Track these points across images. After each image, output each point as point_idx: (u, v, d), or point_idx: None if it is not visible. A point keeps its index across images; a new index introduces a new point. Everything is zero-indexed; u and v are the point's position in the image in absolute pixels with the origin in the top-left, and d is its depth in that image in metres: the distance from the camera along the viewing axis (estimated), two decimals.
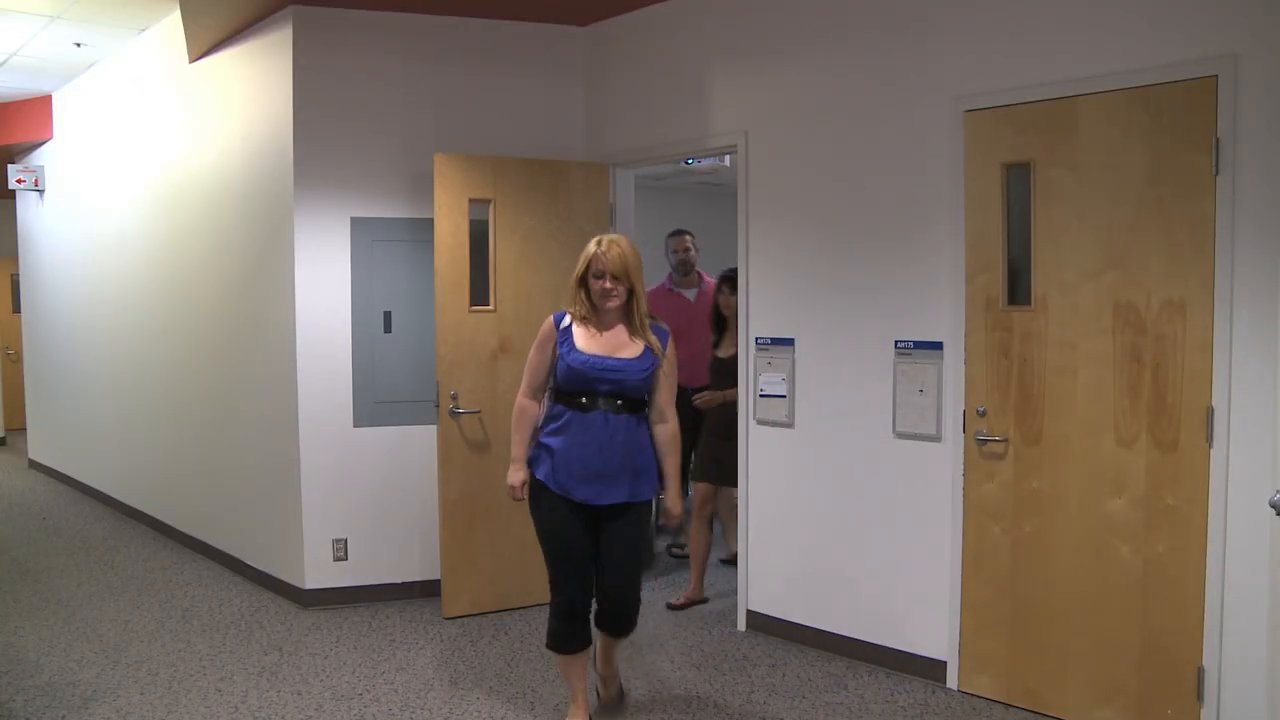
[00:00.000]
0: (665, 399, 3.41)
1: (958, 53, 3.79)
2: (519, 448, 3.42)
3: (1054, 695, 3.61)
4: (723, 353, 4.94)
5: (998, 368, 3.71)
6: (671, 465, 3.45)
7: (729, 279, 4.83)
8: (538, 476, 3.36)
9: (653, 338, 3.36)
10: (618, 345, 3.34)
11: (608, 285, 3.28)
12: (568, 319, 3.36)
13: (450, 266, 4.70)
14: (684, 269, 5.81)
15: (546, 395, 3.43)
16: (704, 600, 5.01)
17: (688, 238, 5.84)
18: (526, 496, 3.41)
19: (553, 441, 3.33)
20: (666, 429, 3.44)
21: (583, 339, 3.33)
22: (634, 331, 3.36)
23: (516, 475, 3.41)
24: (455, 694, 3.91)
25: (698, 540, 5.01)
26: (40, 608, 5.02)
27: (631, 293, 3.31)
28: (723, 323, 4.98)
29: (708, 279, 5.75)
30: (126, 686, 3.98)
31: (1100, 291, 3.44)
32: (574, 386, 3.30)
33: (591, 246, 3.33)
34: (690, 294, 5.82)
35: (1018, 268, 3.68)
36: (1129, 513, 3.40)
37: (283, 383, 5.01)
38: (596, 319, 3.34)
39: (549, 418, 3.38)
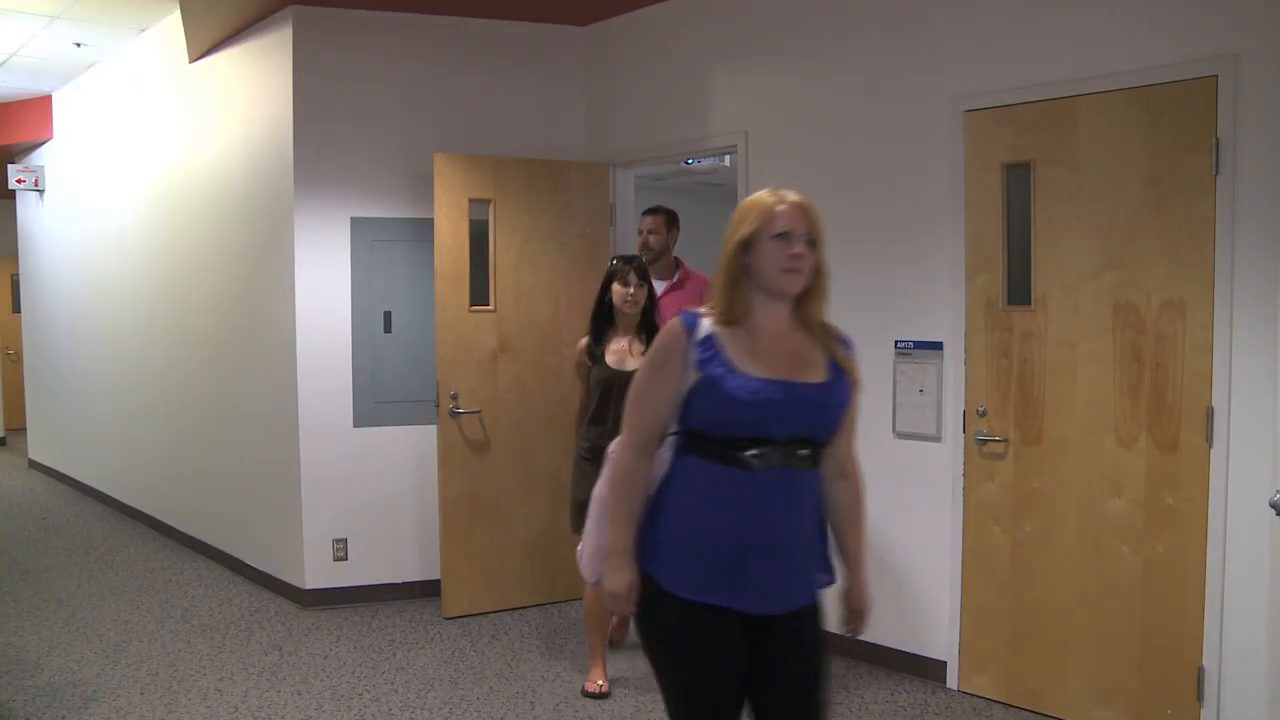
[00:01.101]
0: (848, 443, 2.29)
1: (958, 53, 3.79)
2: (624, 531, 2.14)
3: (1054, 695, 3.61)
4: None
5: (998, 368, 3.71)
6: (856, 541, 2.30)
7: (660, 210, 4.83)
8: (660, 581, 2.11)
9: (838, 347, 2.20)
10: (800, 361, 2.12)
11: (798, 252, 2.06)
12: (706, 323, 2.11)
13: (450, 266, 4.70)
14: (648, 256, 4.63)
15: (667, 445, 2.18)
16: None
17: (651, 218, 4.75)
18: (637, 609, 2.16)
19: (688, 520, 2.11)
20: (849, 487, 2.28)
21: (741, 352, 2.08)
22: (816, 337, 2.17)
23: (621, 576, 2.13)
24: (455, 694, 3.91)
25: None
26: (40, 608, 5.02)
27: (816, 273, 2.13)
28: None
29: (694, 273, 4.84)
30: (126, 686, 3.98)
31: (1100, 291, 3.44)
32: (735, 431, 2.06)
33: (765, 197, 2.13)
34: (659, 288, 4.60)
35: (1018, 268, 3.67)
36: (1129, 513, 3.40)
37: (283, 383, 5.01)
38: (755, 319, 2.13)
39: (676, 482, 2.14)
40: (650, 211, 4.78)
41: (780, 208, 2.10)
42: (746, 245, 2.10)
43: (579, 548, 2.39)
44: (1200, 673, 3.26)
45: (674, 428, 2.16)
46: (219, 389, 5.77)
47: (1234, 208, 3.14)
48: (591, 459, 3.79)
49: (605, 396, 3.80)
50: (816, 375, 2.13)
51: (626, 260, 3.86)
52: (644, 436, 2.15)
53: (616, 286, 3.80)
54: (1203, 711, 3.26)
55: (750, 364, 2.07)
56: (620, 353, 3.83)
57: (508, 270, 4.83)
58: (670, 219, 4.76)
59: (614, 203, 5.10)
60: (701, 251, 5.90)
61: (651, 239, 4.71)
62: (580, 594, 3.98)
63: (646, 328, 3.85)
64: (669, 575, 2.10)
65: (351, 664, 4.22)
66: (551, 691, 3.91)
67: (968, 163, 3.75)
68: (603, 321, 3.88)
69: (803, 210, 2.11)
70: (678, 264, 4.83)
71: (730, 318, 2.11)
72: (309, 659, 4.28)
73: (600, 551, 2.24)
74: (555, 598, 4.94)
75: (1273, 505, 2.60)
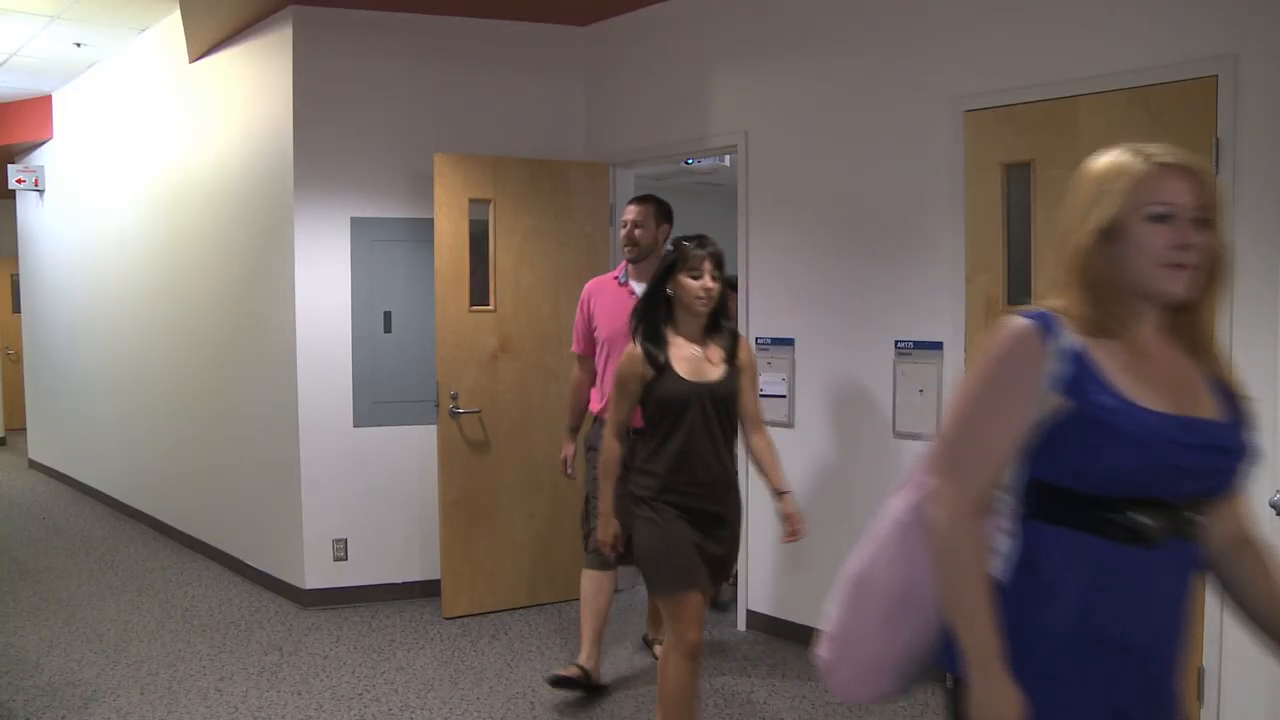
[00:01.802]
0: (1244, 502, 1.68)
1: (958, 52, 3.79)
2: (986, 632, 1.48)
3: None
4: None
5: None
6: None
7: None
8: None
9: (1225, 368, 1.63)
10: (1189, 390, 1.55)
11: (1188, 241, 1.48)
12: (1068, 334, 1.51)
13: (450, 266, 4.70)
14: (632, 253, 4.00)
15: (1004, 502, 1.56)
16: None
17: (638, 207, 4.04)
18: None
19: (1070, 621, 1.48)
20: (1259, 557, 1.65)
21: (1129, 377, 1.50)
22: (1196, 354, 1.59)
23: (1007, 702, 1.46)
24: (455, 694, 3.91)
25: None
26: (40, 608, 5.02)
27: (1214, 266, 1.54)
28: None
29: None
30: (126, 686, 3.98)
31: None
32: (1122, 488, 1.47)
33: (1128, 159, 1.53)
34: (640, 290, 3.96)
35: (1018, 268, 3.67)
36: None
37: (283, 383, 5.01)
38: (1134, 329, 1.55)
39: (1030, 562, 1.52)
40: (637, 200, 4.10)
41: (1155, 175, 1.48)
42: (1111, 232, 1.51)
43: (823, 654, 1.67)
44: (1200, 673, 3.26)
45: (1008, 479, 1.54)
46: (219, 389, 5.77)
47: (1234, 208, 3.14)
48: (657, 510, 3.01)
49: (677, 420, 2.99)
50: (1210, 409, 1.54)
51: (698, 242, 3.06)
52: (979, 488, 1.50)
53: (685, 278, 3.01)
54: (1202, 711, 3.26)
55: (1143, 393, 1.48)
56: (694, 360, 3.04)
57: (508, 270, 4.83)
58: (661, 211, 4.06)
59: (614, 203, 5.10)
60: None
61: (637, 232, 3.98)
62: (579, 594, 3.96)
63: (718, 329, 3.13)
64: (1048, 703, 1.46)
65: (351, 664, 4.22)
66: (551, 691, 3.91)
67: (968, 163, 3.75)
68: (656, 321, 3.07)
69: (1190, 176, 1.48)
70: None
71: (1102, 327, 1.49)
72: (309, 659, 4.28)
73: (885, 664, 1.59)
74: (555, 598, 4.94)
75: (1273, 505, 2.60)
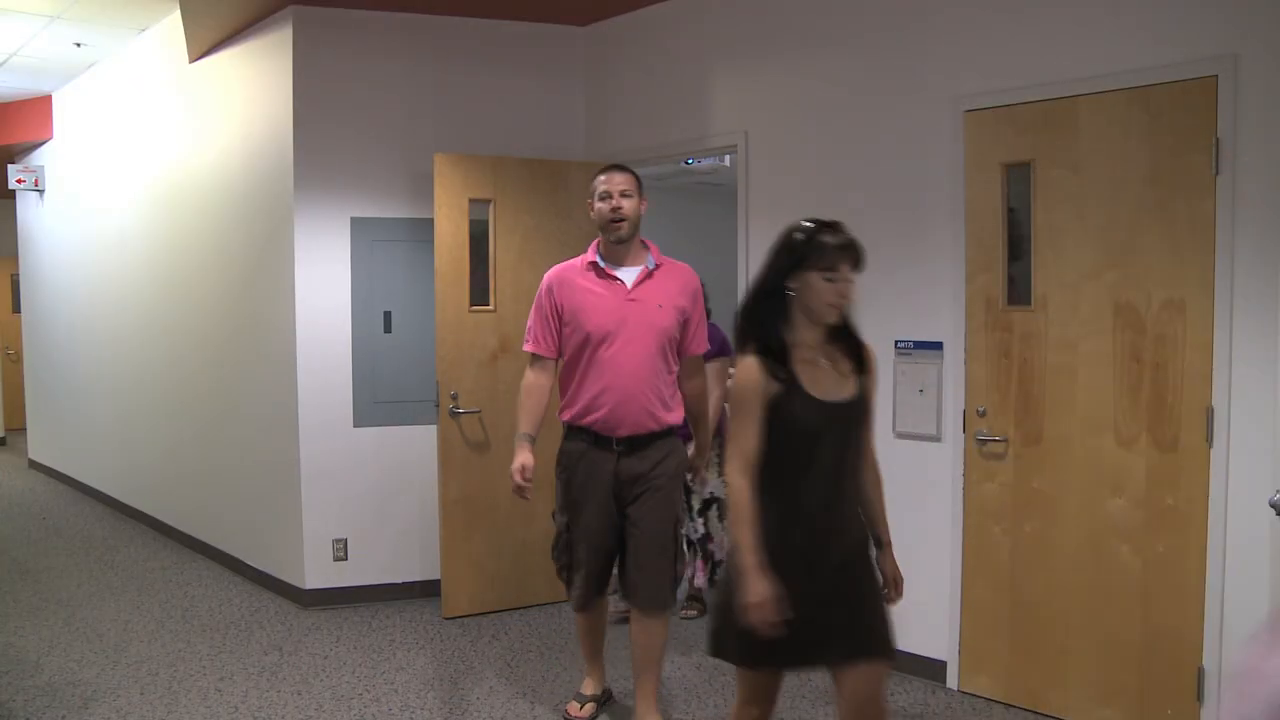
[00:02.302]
0: None
1: (958, 53, 3.79)
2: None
3: (1054, 695, 3.61)
4: None
5: (998, 368, 3.71)
6: None
7: None
8: None
9: None
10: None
11: None
12: None
13: (450, 266, 4.70)
14: (619, 230, 3.38)
15: None
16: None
17: (622, 175, 3.42)
18: None
19: None
20: None
21: None
22: None
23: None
24: (455, 694, 3.91)
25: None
26: (40, 608, 5.02)
27: None
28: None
29: (670, 259, 3.50)
30: (126, 686, 3.98)
31: (1100, 291, 3.44)
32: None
33: None
34: (628, 276, 3.40)
35: (1018, 268, 3.67)
36: (1129, 513, 3.40)
37: (283, 383, 5.01)
38: None
39: None
40: (617, 168, 3.47)
41: None
42: None
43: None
44: (1200, 673, 3.26)
45: None
46: (219, 389, 5.77)
47: (1234, 208, 3.14)
48: (809, 572, 2.39)
49: (812, 448, 2.41)
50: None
51: (832, 229, 2.46)
52: None
53: (816, 278, 2.41)
54: (1203, 711, 3.26)
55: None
56: (823, 374, 2.44)
57: (508, 270, 4.83)
58: (641, 183, 3.47)
59: None
60: (703, 252, 5.90)
61: (625, 204, 3.37)
62: None
63: (844, 336, 2.54)
64: None
65: (351, 664, 4.22)
66: (551, 691, 3.91)
67: (968, 163, 3.75)
68: (772, 327, 2.44)
69: None
70: (647, 246, 3.51)
71: None
72: (309, 659, 4.28)
73: None
74: (555, 598, 4.94)
75: (1273, 505, 2.60)
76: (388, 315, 5.01)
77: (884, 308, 4.04)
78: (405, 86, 4.97)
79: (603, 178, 3.43)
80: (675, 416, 3.44)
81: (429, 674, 4.12)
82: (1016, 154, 3.63)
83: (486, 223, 4.80)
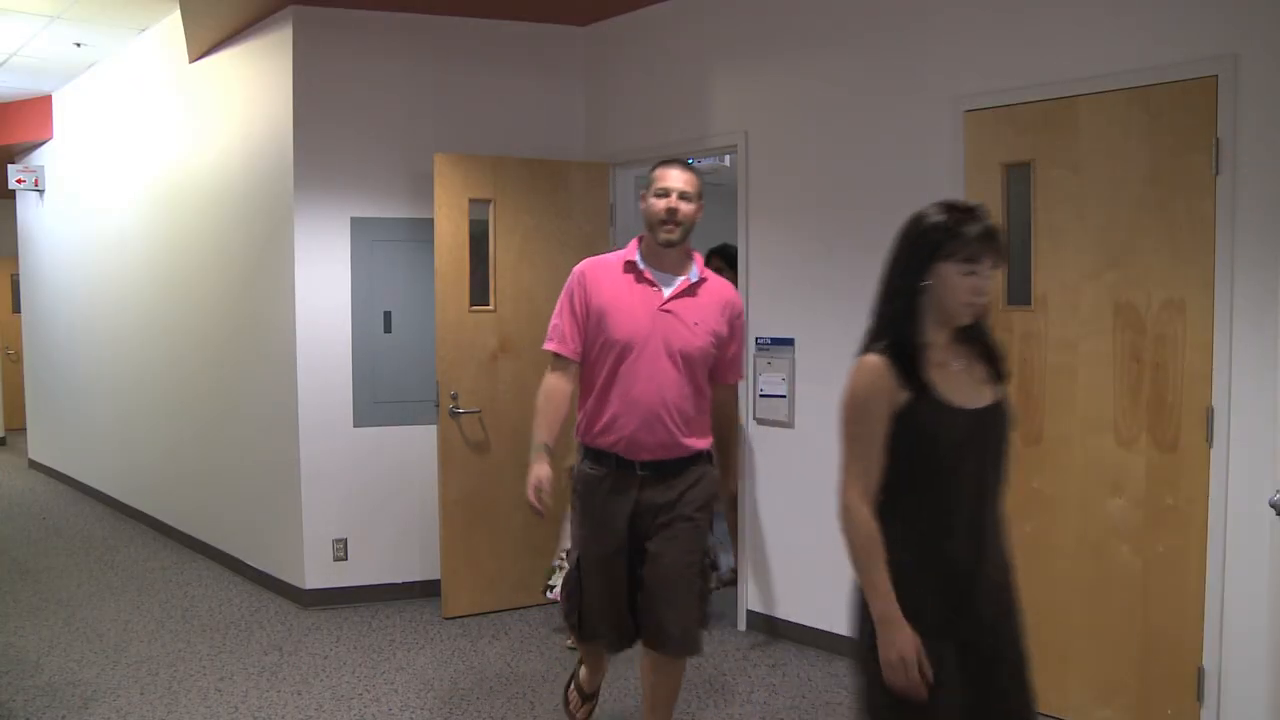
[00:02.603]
0: None
1: (958, 53, 3.79)
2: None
3: (1054, 695, 3.61)
4: None
5: None
6: None
7: (720, 253, 4.63)
8: None
9: None
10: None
11: None
12: None
13: (450, 266, 4.70)
14: (672, 233, 2.98)
15: None
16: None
17: (684, 174, 3.01)
18: None
19: None
20: None
21: None
22: None
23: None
24: (455, 694, 3.91)
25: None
26: (40, 608, 5.02)
27: None
28: None
29: (712, 275, 3.13)
30: (126, 686, 3.98)
31: (1100, 291, 3.44)
32: None
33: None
34: (667, 285, 3.03)
35: (1018, 268, 3.67)
36: (1129, 513, 3.40)
37: (283, 383, 5.01)
38: None
39: None
40: (679, 165, 3.04)
41: None
42: None
43: None
44: (1200, 673, 3.26)
45: None
46: (219, 389, 5.77)
47: (1234, 208, 3.14)
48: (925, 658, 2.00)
49: (956, 463, 2.07)
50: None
51: (972, 215, 2.11)
52: None
53: (952, 271, 2.07)
54: (1203, 711, 3.26)
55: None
56: (958, 378, 2.12)
57: (508, 270, 4.83)
58: (701, 186, 3.05)
59: (614, 203, 5.10)
60: (703, 252, 5.89)
61: (684, 206, 2.98)
62: None
63: (975, 338, 2.22)
64: None
65: (351, 664, 4.22)
66: (551, 691, 3.91)
67: (968, 163, 3.75)
68: (907, 328, 2.12)
69: None
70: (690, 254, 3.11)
71: None
72: (309, 659, 4.28)
73: None
74: (555, 598, 4.94)
75: (1273, 505, 2.60)
76: (388, 315, 5.01)
77: None
78: (405, 86, 4.97)
79: (661, 172, 3.02)
80: (703, 443, 3.08)
81: (429, 674, 4.12)
82: (1016, 154, 3.63)
83: (486, 223, 4.80)
